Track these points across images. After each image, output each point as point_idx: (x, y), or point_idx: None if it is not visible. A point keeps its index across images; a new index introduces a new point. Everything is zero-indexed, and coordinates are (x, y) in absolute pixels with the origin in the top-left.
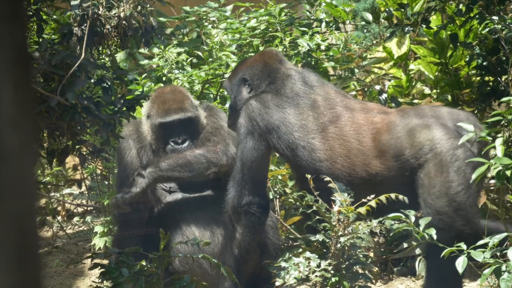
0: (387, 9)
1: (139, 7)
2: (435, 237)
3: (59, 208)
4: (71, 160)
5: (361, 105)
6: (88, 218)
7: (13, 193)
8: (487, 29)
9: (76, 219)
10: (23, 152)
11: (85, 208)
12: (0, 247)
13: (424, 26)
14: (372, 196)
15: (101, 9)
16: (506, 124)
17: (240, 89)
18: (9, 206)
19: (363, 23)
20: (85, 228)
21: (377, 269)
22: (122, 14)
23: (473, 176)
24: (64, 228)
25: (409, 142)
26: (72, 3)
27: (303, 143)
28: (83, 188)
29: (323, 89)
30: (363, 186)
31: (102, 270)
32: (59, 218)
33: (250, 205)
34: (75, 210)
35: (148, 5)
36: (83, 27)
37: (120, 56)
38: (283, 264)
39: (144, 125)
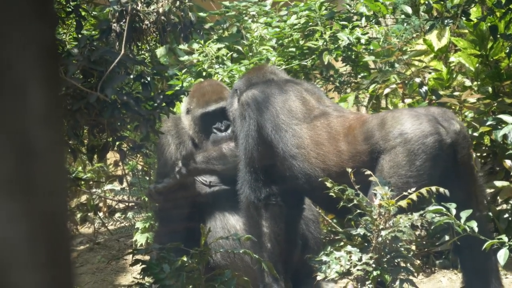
0: (426, 2)
1: (178, 2)
2: (476, 229)
3: (101, 204)
4: (112, 156)
5: (350, 111)
6: (130, 214)
7: (44, 191)
8: None
9: (117, 215)
10: (53, 150)
11: (127, 204)
12: (32, 245)
13: (464, 18)
14: (413, 189)
15: (139, 4)
16: None
17: (232, 100)
18: (40, 204)
19: (403, 16)
20: (126, 224)
21: (419, 262)
22: (160, 10)
23: None
24: (106, 224)
25: (382, 123)
26: None
27: (285, 128)
28: (125, 184)
29: (314, 92)
30: (338, 173)
31: (143, 266)
32: (101, 214)
33: (269, 197)
34: (116, 206)
35: (186, 0)
36: (121, 23)
37: (160, 51)
38: (324, 258)
39: (184, 120)
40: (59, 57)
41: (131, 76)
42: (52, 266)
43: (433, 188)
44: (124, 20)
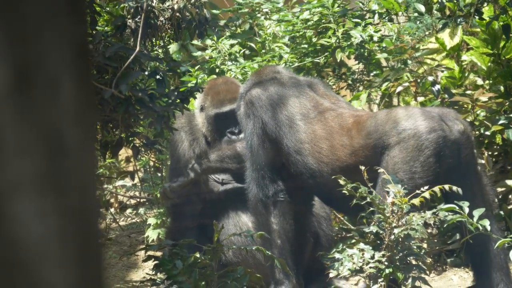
0: (439, 0)
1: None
2: (489, 228)
3: (112, 200)
4: (124, 152)
5: (355, 108)
6: (141, 210)
7: (75, 188)
8: None
9: (129, 211)
10: (84, 147)
11: (138, 200)
12: (62, 242)
13: (476, 17)
14: (426, 187)
15: (154, 1)
16: None
17: (240, 103)
18: (71, 201)
19: (416, 14)
20: (138, 220)
21: (430, 260)
22: (175, 6)
23: None
24: (117, 220)
25: (386, 119)
26: None
27: (290, 123)
28: (136, 180)
29: (320, 88)
30: (341, 167)
31: (156, 262)
32: (112, 210)
33: (277, 193)
34: (128, 202)
35: None
36: (136, 19)
37: (173, 47)
38: (337, 255)
39: (197, 117)
40: (91, 54)
41: (146, 73)
42: (82, 263)
43: (446, 187)
44: (139, 17)
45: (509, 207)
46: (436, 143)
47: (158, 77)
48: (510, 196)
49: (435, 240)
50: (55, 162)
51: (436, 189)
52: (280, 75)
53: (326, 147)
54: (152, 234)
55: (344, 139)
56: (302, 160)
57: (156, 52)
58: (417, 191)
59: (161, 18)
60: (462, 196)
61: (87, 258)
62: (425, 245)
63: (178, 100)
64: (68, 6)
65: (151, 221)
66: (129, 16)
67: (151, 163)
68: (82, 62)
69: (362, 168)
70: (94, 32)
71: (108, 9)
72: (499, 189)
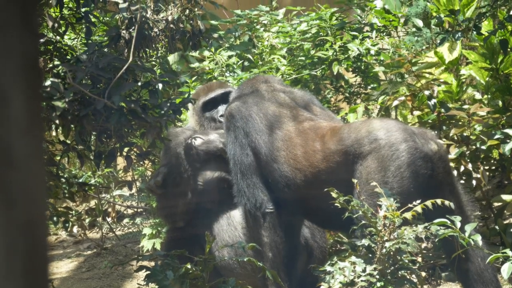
0: (437, 16)
1: (187, 11)
2: (480, 243)
3: (110, 210)
4: (122, 162)
5: (337, 120)
6: (138, 220)
7: (23, 201)
8: None
9: (125, 220)
10: (33, 160)
11: (135, 210)
12: (9, 255)
13: (474, 32)
14: (418, 201)
15: (149, 12)
16: None
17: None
18: (18, 213)
19: (414, 29)
20: (134, 230)
21: (425, 274)
22: (170, 18)
23: None
24: (114, 230)
25: (360, 127)
26: (120, 6)
27: (269, 132)
28: (133, 190)
29: (304, 100)
30: (313, 173)
31: (147, 272)
32: (109, 219)
33: (265, 204)
34: (125, 212)
35: (196, 9)
36: (131, 30)
37: (173, 58)
38: (328, 268)
39: (190, 122)
40: (41, 67)
41: (139, 84)
42: (29, 276)
43: (438, 201)
44: (133, 28)
45: (504, 222)
46: (408, 153)
47: (151, 88)
48: (505, 211)
49: (430, 254)
50: (2, 175)
51: (428, 203)
52: (266, 85)
53: (300, 153)
54: (147, 244)
55: (317, 144)
56: (278, 168)
57: (153, 62)
58: (409, 205)
59: (155, 29)
60: (439, 213)
61: (34, 270)
62: (419, 259)
63: (171, 112)
64: (19, 20)
65: (147, 231)
66: (123, 27)
67: (149, 173)
68: (32, 75)
69: (355, 181)
70: (89, 42)
71: (107, 18)
72: (495, 204)
